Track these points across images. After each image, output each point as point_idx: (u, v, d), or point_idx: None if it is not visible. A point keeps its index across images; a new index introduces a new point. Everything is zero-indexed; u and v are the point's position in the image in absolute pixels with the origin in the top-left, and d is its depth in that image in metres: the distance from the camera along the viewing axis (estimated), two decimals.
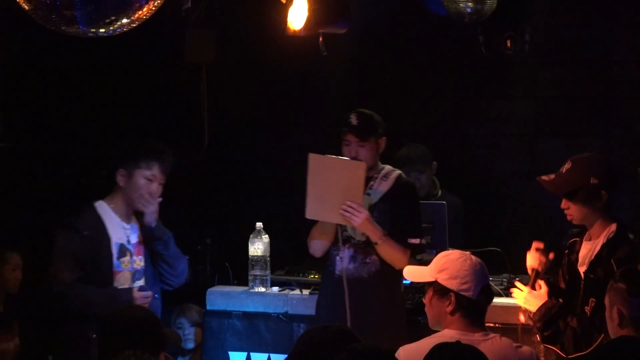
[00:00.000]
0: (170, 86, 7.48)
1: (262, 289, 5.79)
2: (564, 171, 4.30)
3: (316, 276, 6.18)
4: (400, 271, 5.14)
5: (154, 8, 3.47)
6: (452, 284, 3.68)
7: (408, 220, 5.07)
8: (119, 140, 5.04)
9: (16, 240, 6.48)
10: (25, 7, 3.44)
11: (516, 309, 4.73)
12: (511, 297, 4.54)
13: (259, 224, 5.80)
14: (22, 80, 7.29)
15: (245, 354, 5.75)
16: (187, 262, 5.11)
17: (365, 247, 5.03)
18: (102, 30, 3.48)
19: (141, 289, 4.72)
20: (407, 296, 5.43)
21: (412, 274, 3.96)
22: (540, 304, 4.31)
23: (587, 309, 4.18)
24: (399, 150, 6.27)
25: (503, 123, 7.23)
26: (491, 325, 4.76)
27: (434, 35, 7.09)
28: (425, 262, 4.66)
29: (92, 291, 4.59)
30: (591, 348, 4.11)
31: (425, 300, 3.81)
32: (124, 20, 3.45)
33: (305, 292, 5.81)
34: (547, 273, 4.45)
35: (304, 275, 6.08)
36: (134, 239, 4.86)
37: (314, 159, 4.99)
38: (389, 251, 4.97)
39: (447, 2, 6.16)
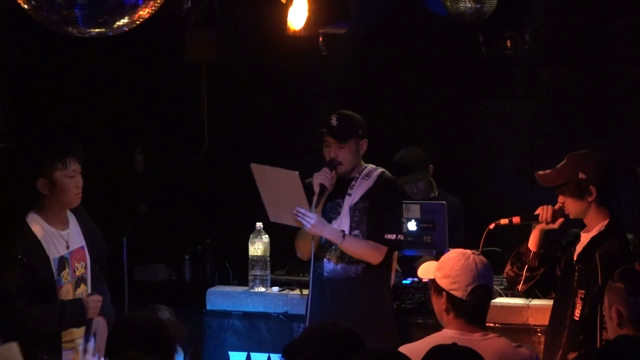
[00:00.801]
0: (170, 86, 7.48)
1: (262, 289, 5.79)
2: (558, 166, 4.44)
3: None
4: (389, 270, 5.16)
5: (154, 8, 3.47)
6: (444, 283, 3.72)
7: (385, 215, 5.07)
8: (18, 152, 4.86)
9: None
10: (25, 7, 3.43)
11: (516, 309, 4.74)
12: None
13: (259, 224, 5.79)
14: (22, 80, 7.29)
15: (245, 354, 5.75)
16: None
17: None
18: (102, 30, 3.47)
19: (90, 295, 4.67)
20: (407, 296, 5.43)
21: (422, 270, 3.98)
22: None
23: (577, 300, 4.26)
24: (395, 154, 6.25)
25: (503, 123, 7.23)
26: (491, 325, 4.76)
27: (434, 35, 7.09)
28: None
29: (43, 311, 4.50)
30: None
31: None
32: (124, 20, 3.45)
33: (305, 292, 5.80)
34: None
35: (304, 275, 6.07)
36: (75, 243, 4.70)
37: (255, 168, 5.09)
38: (354, 249, 5.01)
39: (447, 2, 6.16)
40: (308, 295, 5.23)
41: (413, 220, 5.54)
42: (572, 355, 4.24)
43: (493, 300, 4.12)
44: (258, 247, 5.77)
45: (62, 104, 7.49)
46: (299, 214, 4.94)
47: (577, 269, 4.36)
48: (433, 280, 3.80)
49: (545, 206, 4.49)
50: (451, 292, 3.69)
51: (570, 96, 7.10)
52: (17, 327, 4.48)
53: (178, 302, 6.59)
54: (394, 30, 7.23)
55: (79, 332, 4.61)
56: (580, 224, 4.49)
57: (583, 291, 4.26)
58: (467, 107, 7.31)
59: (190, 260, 7.41)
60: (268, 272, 5.83)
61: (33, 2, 3.39)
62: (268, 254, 5.79)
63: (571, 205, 4.38)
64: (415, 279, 5.49)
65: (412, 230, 5.53)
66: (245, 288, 5.89)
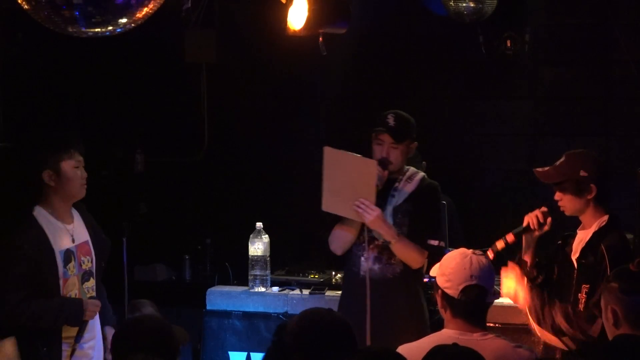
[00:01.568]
0: (170, 86, 7.48)
1: (262, 289, 5.80)
2: (557, 164, 4.46)
3: (316, 276, 6.18)
4: (422, 272, 5.15)
5: (154, 8, 3.47)
6: (440, 281, 3.75)
7: (428, 221, 5.05)
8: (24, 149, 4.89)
9: None
10: (25, 7, 3.43)
11: (516, 308, 4.73)
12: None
13: (259, 224, 5.80)
14: (22, 80, 7.29)
15: (245, 354, 5.75)
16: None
17: (389, 247, 5.02)
18: (102, 30, 3.47)
19: (91, 298, 4.68)
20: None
21: (433, 268, 4.00)
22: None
23: (581, 295, 4.26)
24: None
25: (503, 123, 7.23)
26: (491, 325, 4.76)
27: (434, 36, 7.09)
28: None
29: (40, 306, 4.50)
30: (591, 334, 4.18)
31: None
32: (124, 20, 3.45)
33: (305, 292, 5.81)
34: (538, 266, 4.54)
35: (304, 275, 6.08)
36: (80, 237, 4.73)
37: (329, 152, 4.96)
38: (403, 251, 4.97)
39: (447, 2, 6.16)
40: (341, 293, 5.20)
41: None
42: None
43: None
44: (258, 247, 5.77)
45: (62, 104, 7.49)
46: (362, 206, 4.88)
47: (576, 266, 4.36)
48: (434, 278, 3.83)
49: (531, 214, 4.50)
50: (445, 290, 3.72)
51: (570, 96, 7.10)
52: (11, 320, 4.48)
53: (178, 302, 6.61)
54: (394, 30, 7.23)
55: (73, 331, 4.62)
56: (572, 225, 4.50)
57: (587, 285, 4.26)
58: (467, 107, 7.31)
59: (190, 260, 7.42)
60: (268, 272, 5.84)
61: (33, 2, 3.40)
62: (268, 254, 5.80)
63: (569, 203, 4.40)
64: None
65: None
66: (245, 288, 5.90)
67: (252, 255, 5.80)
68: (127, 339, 3.50)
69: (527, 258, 4.52)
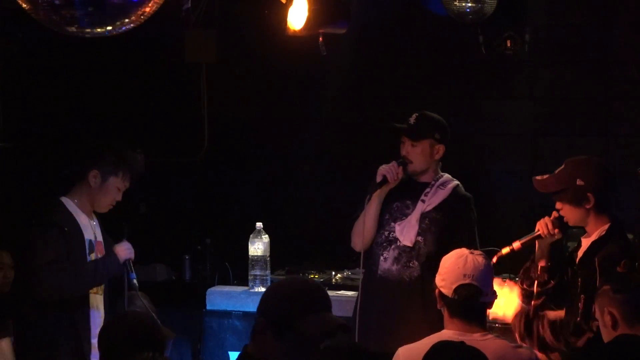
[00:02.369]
0: (170, 86, 7.48)
1: (262, 289, 5.79)
2: (556, 172, 4.38)
3: (316, 276, 6.19)
4: None
5: (153, 8, 3.47)
6: (437, 280, 3.77)
7: (469, 235, 5.00)
8: (92, 140, 4.96)
9: (7, 240, 6.47)
10: (25, 7, 3.43)
11: None
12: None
13: (259, 224, 5.80)
14: (22, 80, 7.28)
15: None
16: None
17: (410, 251, 5.00)
18: (102, 30, 3.47)
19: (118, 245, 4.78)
20: None
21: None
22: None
23: (580, 305, 4.23)
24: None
25: (503, 123, 7.23)
26: (491, 325, 4.76)
27: (434, 35, 7.09)
28: None
29: (79, 270, 4.60)
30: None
31: None
32: (124, 20, 3.45)
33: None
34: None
35: (303, 275, 6.08)
36: (98, 235, 4.87)
37: None
38: None
39: (447, 2, 6.16)
40: (358, 292, 5.18)
41: None
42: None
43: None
44: (258, 247, 5.78)
45: (62, 104, 7.48)
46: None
47: (579, 274, 4.33)
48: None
49: (542, 221, 4.42)
50: (440, 289, 3.73)
51: (570, 96, 7.09)
52: (53, 293, 4.52)
53: (178, 302, 6.61)
54: (394, 30, 7.23)
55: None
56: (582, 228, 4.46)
57: (583, 296, 4.22)
58: (467, 107, 7.30)
59: (190, 260, 7.41)
60: (268, 272, 5.84)
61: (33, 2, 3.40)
62: (268, 254, 5.80)
63: (569, 213, 4.32)
64: None
65: None
66: (245, 288, 5.90)
67: (252, 255, 5.81)
68: (112, 335, 3.52)
69: (539, 262, 4.46)
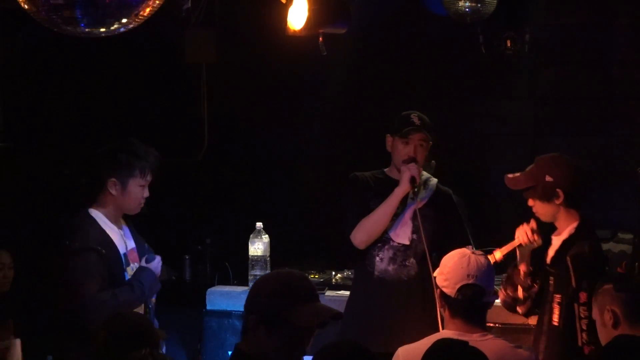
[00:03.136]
0: (170, 86, 7.48)
1: None
2: (527, 170, 4.50)
3: (316, 276, 6.19)
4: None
5: (154, 8, 3.47)
6: (438, 280, 3.77)
7: (464, 228, 5.12)
8: (104, 146, 4.88)
9: (7, 240, 6.48)
10: (25, 7, 3.43)
11: None
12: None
13: (259, 224, 5.80)
14: (22, 80, 7.28)
15: None
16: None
17: (405, 249, 5.01)
18: (102, 30, 3.47)
19: (147, 260, 4.69)
20: None
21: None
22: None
23: (554, 305, 4.28)
24: None
25: (503, 123, 7.23)
26: (491, 325, 4.77)
27: (434, 35, 7.09)
28: None
29: (126, 294, 4.50)
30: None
31: None
32: (124, 20, 3.45)
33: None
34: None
35: (289, 269, 6.06)
36: (130, 243, 4.79)
37: None
38: None
39: (447, 2, 6.16)
40: (351, 293, 5.19)
41: None
42: None
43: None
44: (258, 247, 5.78)
45: (62, 104, 7.48)
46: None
47: (551, 273, 4.36)
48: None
49: (521, 228, 4.46)
50: (443, 289, 3.74)
51: (570, 96, 7.09)
52: (100, 322, 4.47)
53: (178, 302, 6.61)
54: (394, 30, 7.23)
55: None
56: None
57: (559, 295, 4.26)
58: (467, 107, 7.30)
59: (190, 260, 7.41)
60: (268, 272, 5.83)
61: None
62: (268, 254, 5.80)
63: (540, 209, 4.41)
64: None
65: None
66: (245, 288, 5.90)
67: (252, 255, 5.81)
68: (116, 332, 3.54)
69: (520, 267, 4.49)
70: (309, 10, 5.36)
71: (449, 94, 7.28)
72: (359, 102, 7.27)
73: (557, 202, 4.34)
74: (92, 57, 7.17)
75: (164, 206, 7.63)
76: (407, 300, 4.96)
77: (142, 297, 4.57)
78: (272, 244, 5.81)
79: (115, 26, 3.46)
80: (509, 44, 6.76)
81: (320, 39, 5.51)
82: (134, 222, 4.99)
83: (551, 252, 4.40)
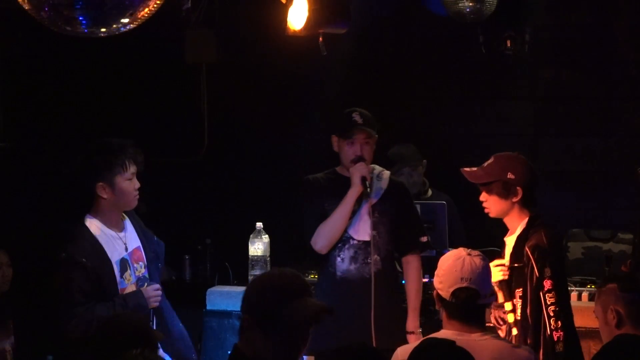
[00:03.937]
0: (170, 86, 7.48)
1: None
2: (485, 165, 4.53)
3: (316, 276, 6.18)
4: (399, 270, 5.17)
5: (154, 8, 3.47)
6: (435, 282, 3.76)
7: (414, 220, 5.16)
8: (77, 157, 4.86)
9: (7, 240, 6.48)
10: (25, 7, 3.43)
11: None
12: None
13: (259, 224, 5.79)
14: (22, 80, 7.28)
15: None
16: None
17: (366, 247, 5.02)
18: (102, 30, 3.47)
19: (149, 285, 4.68)
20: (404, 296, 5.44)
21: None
22: None
23: (516, 301, 4.29)
24: (390, 149, 6.31)
25: (503, 123, 7.24)
26: (491, 325, 4.76)
27: (434, 35, 7.09)
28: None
29: (105, 309, 4.48)
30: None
31: None
32: (124, 20, 3.45)
33: None
34: None
35: (303, 275, 6.06)
36: (132, 243, 4.75)
37: None
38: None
39: (447, 2, 6.16)
40: (315, 295, 5.18)
41: None
42: None
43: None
44: (258, 247, 5.76)
45: (62, 104, 7.48)
46: None
47: (510, 270, 4.39)
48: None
49: (495, 269, 4.38)
50: (439, 291, 3.72)
51: (570, 96, 7.10)
52: (82, 332, 4.46)
53: (178, 302, 6.60)
54: (394, 30, 7.24)
55: None
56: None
57: (520, 289, 4.29)
58: (467, 107, 7.31)
59: (190, 260, 7.41)
60: None
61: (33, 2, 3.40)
62: (268, 254, 5.79)
63: (494, 204, 4.46)
64: None
65: None
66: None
67: (252, 255, 5.80)
68: (114, 333, 3.54)
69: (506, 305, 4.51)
70: (309, 10, 5.36)
71: (449, 94, 7.28)
72: (358, 102, 7.26)
73: (514, 199, 4.40)
74: (92, 57, 7.17)
75: (164, 206, 7.64)
76: (376, 296, 4.96)
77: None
78: (272, 244, 5.81)
79: (116, 26, 3.46)
80: (509, 44, 6.76)
81: (320, 39, 5.51)
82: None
83: (508, 251, 4.43)
